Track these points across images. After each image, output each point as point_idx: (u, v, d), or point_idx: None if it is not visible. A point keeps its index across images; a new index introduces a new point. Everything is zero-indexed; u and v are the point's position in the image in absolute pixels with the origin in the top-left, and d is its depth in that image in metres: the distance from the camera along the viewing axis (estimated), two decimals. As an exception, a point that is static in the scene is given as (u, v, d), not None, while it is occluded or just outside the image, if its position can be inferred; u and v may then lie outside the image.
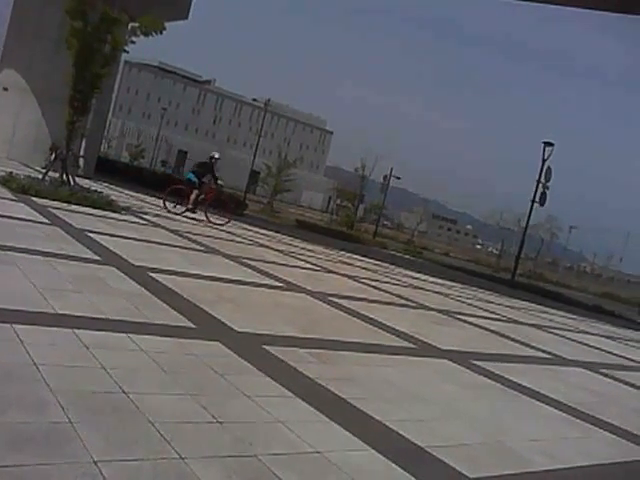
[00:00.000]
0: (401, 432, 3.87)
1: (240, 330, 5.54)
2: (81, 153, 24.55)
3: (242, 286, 8.11)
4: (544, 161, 27.67)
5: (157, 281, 6.91)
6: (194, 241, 12.02)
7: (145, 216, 14.66)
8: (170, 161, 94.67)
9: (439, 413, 4.58)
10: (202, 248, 11.34)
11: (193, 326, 5.32)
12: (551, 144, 27.75)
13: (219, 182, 19.13)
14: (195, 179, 18.29)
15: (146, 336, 4.60)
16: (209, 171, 18.67)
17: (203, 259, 10.02)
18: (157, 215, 16.03)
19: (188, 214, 17.90)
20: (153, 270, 7.49)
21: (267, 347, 5.18)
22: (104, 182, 23.02)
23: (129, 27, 15.61)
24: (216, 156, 19.09)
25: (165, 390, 3.63)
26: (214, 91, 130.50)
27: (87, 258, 7.28)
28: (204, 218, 17.84)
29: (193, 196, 18.01)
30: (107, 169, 30.44)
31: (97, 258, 7.49)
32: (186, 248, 10.73)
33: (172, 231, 12.83)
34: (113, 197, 15.24)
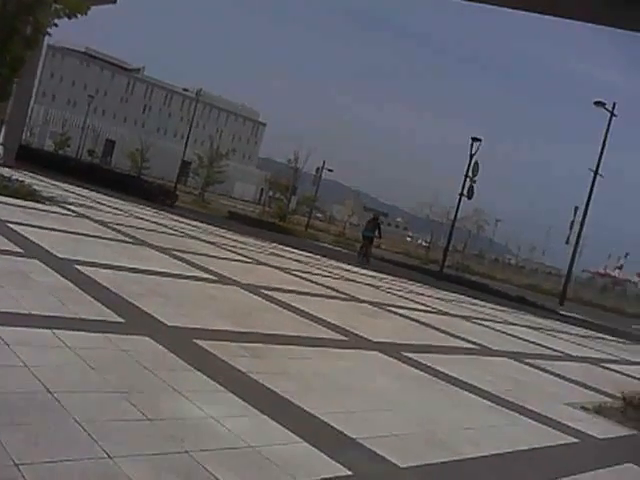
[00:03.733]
0: (333, 424, 3.90)
1: (170, 324, 5.43)
2: (0, 140, 23.47)
3: (172, 279, 7.95)
4: (472, 156, 28.45)
5: (83, 274, 6.68)
6: (122, 232, 11.70)
7: (70, 207, 14.15)
8: (97, 150, 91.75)
9: (370, 404, 4.64)
10: (130, 240, 11.05)
11: (121, 320, 5.18)
12: (479, 139, 28.55)
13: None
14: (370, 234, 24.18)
15: (72, 332, 4.44)
16: (375, 228, 24.39)
17: (132, 251, 9.76)
18: (82, 205, 15.51)
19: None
20: (79, 263, 7.24)
21: (198, 341, 5.10)
22: (26, 171, 22.07)
23: (52, 8, 14.96)
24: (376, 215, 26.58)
25: (92, 388, 3.52)
26: (143, 79, 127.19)
27: (8, 250, 6.96)
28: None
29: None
30: (29, 158, 29.19)
31: (19, 250, 7.17)
32: (114, 240, 10.43)
33: (98, 222, 12.45)
34: (36, 187, 14.64)
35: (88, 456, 2.68)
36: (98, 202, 18.39)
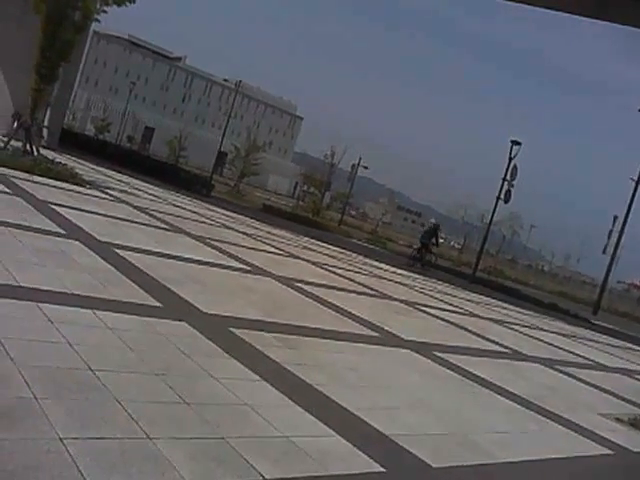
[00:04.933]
0: (366, 419, 3.90)
1: (206, 311, 5.49)
2: (45, 123, 23.91)
3: (208, 267, 8.03)
4: (511, 159, 28.05)
5: (123, 258, 6.79)
6: (159, 219, 11.85)
7: (109, 191, 14.38)
8: (136, 137, 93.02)
9: (403, 402, 4.63)
10: (168, 227, 11.18)
11: (159, 305, 5.25)
12: (518, 143, 28.10)
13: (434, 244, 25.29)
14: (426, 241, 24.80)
15: (112, 313, 4.52)
16: (432, 235, 25.11)
17: (169, 238, 9.88)
18: (121, 191, 15.75)
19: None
20: (118, 247, 7.36)
21: (233, 329, 5.15)
22: (68, 154, 22.49)
23: (101, -4, 15.20)
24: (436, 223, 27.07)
25: (131, 368, 3.58)
26: (184, 68, 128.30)
27: (51, 231, 7.11)
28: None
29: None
30: (72, 141, 29.74)
31: (61, 231, 7.32)
32: (152, 226, 10.57)
33: (137, 208, 12.62)
34: (77, 170, 14.90)
35: (128, 435, 2.73)
36: (136, 188, 18.65)
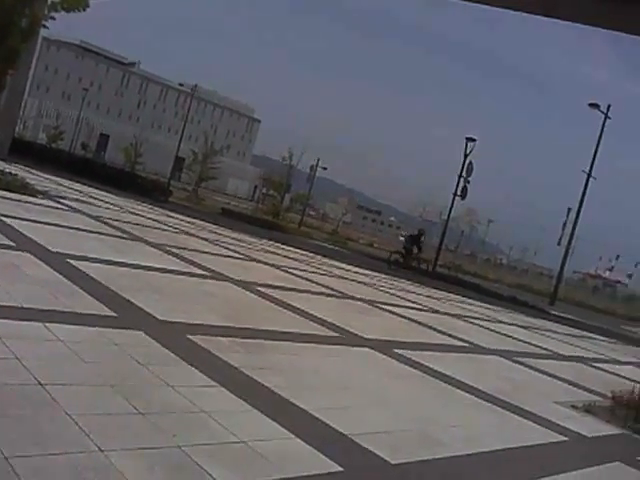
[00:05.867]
0: (326, 420, 3.91)
1: (164, 319, 5.43)
2: (-6, 133, 23.32)
3: (166, 274, 7.94)
4: (466, 156, 28.53)
5: (76, 268, 6.66)
6: (116, 228, 11.67)
7: (63, 201, 14.10)
8: (91, 144, 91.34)
9: (362, 401, 4.65)
10: (125, 235, 11.02)
11: (114, 315, 5.17)
12: (473, 140, 28.62)
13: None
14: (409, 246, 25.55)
15: (64, 325, 4.44)
16: (416, 241, 25.64)
17: (125, 246, 9.74)
18: (76, 200, 15.46)
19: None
20: (72, 257, 7.22)
21: (191, 336, 5.10)
22: (19, 164, 21.97)
23: (49, 1, 14.89)
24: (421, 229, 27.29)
25: (85, 381, 3.52)
26: (139, 74, 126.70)
27: (0, 244, 6.94)
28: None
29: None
30: (22, 151, 29.04)
31: (11, 244, 7.15)
32: (108, 235, 10.41)
33: (92, 217, 12.41)
34: (29, 180, 14.58)
35: (79, 449, 2.68)
36: (92, 197, 18.34)
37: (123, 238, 10.63)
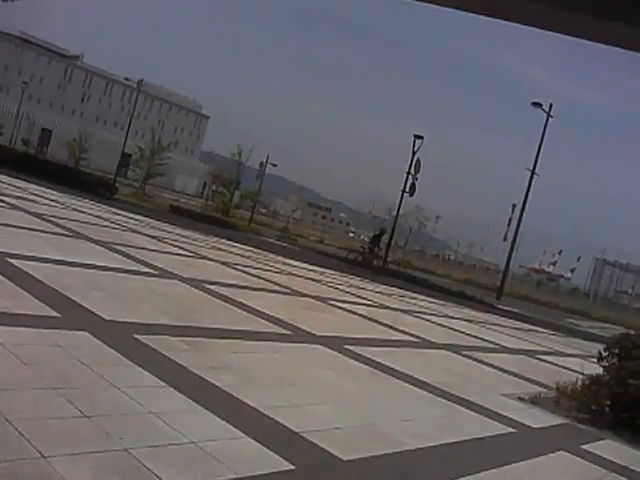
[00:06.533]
0: (276, 418, 3.88)
1: (110, 319, 5.29)
2: None
3: (111, 273, 7.75)
4: (414, 153, 28.85)
5: (17, 267, 6.43)
6: (59, 225, 11.33)
7: (3, 198, 13.61)
8: (32, 140, 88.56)
9: (313, 398, 4.64)
10: (69, 233, 10.72)
11: (58, 315, 5.02)
12: (421, 137, 28.96)
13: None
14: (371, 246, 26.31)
15: (4, 327, 4.27)
16: (379, 240, 26.61)
17: (70, 245, 9.47)
18: (16, 197, 14.94)
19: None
20: (12, 256, 6.96)
21: (138, 336, 4.99)
22: (-44, 160, 21.10)
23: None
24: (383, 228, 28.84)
25: (26, 385, 3.39)
26: (82, 67, 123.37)
27: None
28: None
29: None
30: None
31: (-53, 242, 6.85)
32: (51, 233, 10.10)
33: (34, 214, 12.02)
34: (-34, 176, 14.01)
35: (19, 457, 2.58)
36: (33, 194, 17.76)
37: (67, 236, 10.33)
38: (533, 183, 31.19)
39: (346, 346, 6.90)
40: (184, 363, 4.55)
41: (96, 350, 4.35)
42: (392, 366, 6.42)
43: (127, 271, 8.18)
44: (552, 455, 4.79)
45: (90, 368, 3.90)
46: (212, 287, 8.63)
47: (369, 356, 6.64)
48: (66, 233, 10.64)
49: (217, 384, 4.26)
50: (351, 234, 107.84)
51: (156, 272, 8.81)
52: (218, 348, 5.39)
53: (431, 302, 17.45)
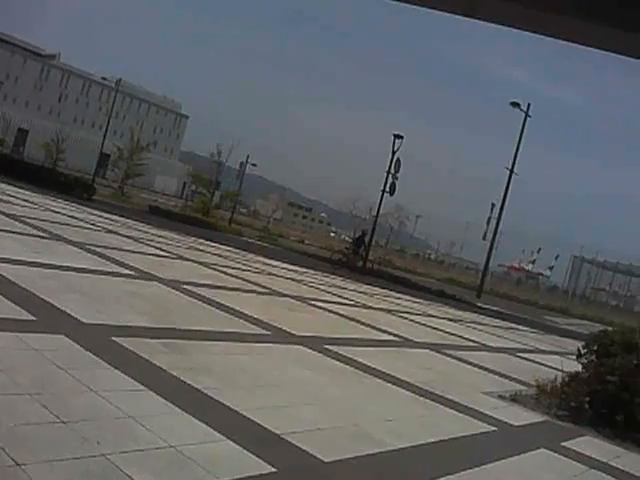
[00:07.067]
0: (256, 420, 3.84)
1: (87, 321, 5.21)
2: None
3: (89, 274, 7.65)
4: (394, 152, 28.92)
5: (-9, 270, 6.31)
6: (35, 227, 11.16)
7: (-22, 199, 13.38)
8: (8, 140, 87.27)
9: (294, 399, 4.61)
10: (45, 235, 10.56)
11: (33, 318, 4.92)
12: (401, 136, 29.04)
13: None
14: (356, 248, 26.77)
15: (-23, 331, 4.18)
16: (362, 242, 27.06)
17: (45, 246, 9.33)
18: (-8, 198, 14.69)
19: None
20: (-14, 258, 6.84)
21: (116, 339, 4.92)
22: None
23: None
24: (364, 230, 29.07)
25: (0, 390, 3.31)
26: (59, 66, 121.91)
27: None
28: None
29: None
30: None
31: None
32: (26, 234, 9.94)
33: (9, 216, 11.82)
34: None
35: (-7, 463, 2.51)
36: (8, 194, 17.48)
37: (42, 238, 10.17)
38: (512, 182, 31.45)
39: (327, 346, 6.87)
40: (163, 365, 4.49)
41: (73, 353, 4.27)
42: (374, 366, 6.41)
43: (104, 272, 8.08)
44: (533, 453, 4.81)
45: (66, 372, 3.82)
46: (191, 288, 8.55)
47: (350, 356, 6.62)
48: (42, 235, 10.48)
49: (196, 386, 4.21)
50: (332, 234, 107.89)
51: (134, 273, 8.71)
52: (197, 350, 5.32)
53: (412, 301, 17.50)
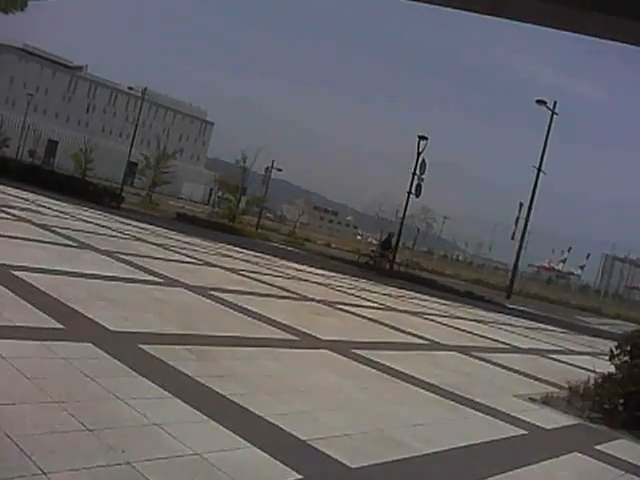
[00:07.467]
0: (283, 426, 3.82)
1: (114, 329, 5.25)
2: None
3: (117, 282, 7.72)
4: (419, 154, 28.75)
5: (21, 279, 6.41)
6: (65, 236, 11.33)
7: (10, 210, 13.63)
8: (39, 151, 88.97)
9: (321, 404, 4.58)
10: (74, 244, 10.71)
11: (61, 327, 4.97)
12: (425, 138, 28.86)
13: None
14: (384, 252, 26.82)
15: (7, 340, 4.23)
16: (389, 245, 27.14)
17: (75, 255, 9.45)
18: (24, 209, 14.97)
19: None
20: (16, 268, 6.94)
21: (143, 346, 4.95)
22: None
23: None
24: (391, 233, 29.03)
25: (27, 399, 3.34)
26: (86, 78, 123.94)
27: (-61, 256, 6.62)
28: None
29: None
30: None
31: (-49, 256, 6.83)
32: (56, 244, 10.09)
33: (40, 226, 12.02)
34: (-28, 189, 14.05)
35: (19, 474, 2.52)
36: (40, 205, 17.80)
37: (71, 246, 10.32)
38: (540, 182, 31.05)
39: (353, 350, 6.83)
40: (189, 372, 4.50)
41: (100, 361, 4.30)
42: (401, 369, 6.35)
43: (132, 280, 8.15)
44: (565, 457, 4.70)
45: (94, 380, 3.85)
46: (218, 294, 8.59)
47: (377, 360, 6.57)
48: (71, 244, 10.63)
49: (222, 393, 4.21)
50: (359, 237, 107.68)
51: (161, 280, 8.77)
52: (224, 356, 5.33)
53: (440, 303, 17.35)
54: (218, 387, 4.29)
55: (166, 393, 3.95)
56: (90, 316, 5.48)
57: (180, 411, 3.70)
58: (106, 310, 5.93)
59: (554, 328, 17.79)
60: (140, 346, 4.94)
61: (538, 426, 5.38)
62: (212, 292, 8.65)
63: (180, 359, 4.81)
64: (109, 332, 5.14)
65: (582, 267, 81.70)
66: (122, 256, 10.28)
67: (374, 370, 6.12)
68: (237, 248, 20.35)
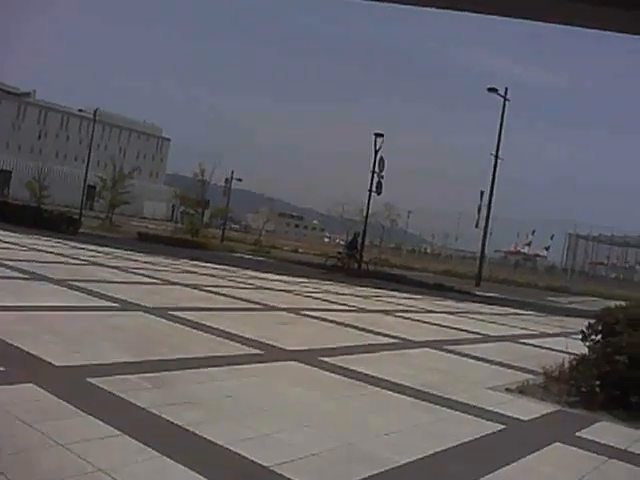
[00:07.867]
0: (244, 453, 3.54)
1: (60, 364, 4.90)
2: None
3: (68, 312, 7.34)
4: (376, 152, 28.66)
5: (-40, 321, 6.00)
6: (17, 269, 10.84)
7: (-45, 247, 13.05)
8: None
9: (285, 423, 4.29)
10: (24, 275, 10.23)
11: (1, 369, 4.60)
12: (381, 135, 28.79)
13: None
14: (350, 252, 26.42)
15: None
16: (355, 245, 26.75)
17: (22, 287, 9.01)
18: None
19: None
20: (-44, 308, 6.52)
21: (92, 380, 4.61)
22: None
23: None
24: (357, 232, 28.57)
25: (-49, 457, 3.00)
26: (35, 104, 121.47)
27: None
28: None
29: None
30: None
31: None
32: (5, 278, 9.63)
33: (-12, 260, 11.49)
34: None
35: None
36: (-10, 238, 17.16)
37: (20, 278, 9.85)
38: (498, 169, 31.25)
39: (321, 358, 6.57)
40: (142, 404, 4.18)
41: (41, 404, 3.95)
42: (371, 373, 6.11)
43: (85, 308, 7.77)
44: (546, 449, 4.51)
45: (31, 426, 3.51)
46: (179, 314, 8.25)
47: (346, 366, 6.32)
48: (22, 276, 10.16)
49: (178, 423, 3.90)
50: (326, 239, 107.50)
51: (118, 305, 8.40)
52: (183, 380, 5.02)
53: (410, 299, 17.21)
54: (174, 417, 3.99)
55: (116, 431, 3.63)
56: (34, 353, 5.11)
57: (129, 450, 3.39)
58: (53, 344, 5.57)
59: (525, 311, 17.80)
60: (89, 380, 4.61)
61: (516, 418, 5.20)
62: (172, 312, 8.30)
63: (133, 389, 4.49)
64: (54, 368, 4.79)
65: (547, 248, 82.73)
66: (76, 283, 9.86)
67: (343, 377, 5.87)
68: (200, 263, 19.94)
